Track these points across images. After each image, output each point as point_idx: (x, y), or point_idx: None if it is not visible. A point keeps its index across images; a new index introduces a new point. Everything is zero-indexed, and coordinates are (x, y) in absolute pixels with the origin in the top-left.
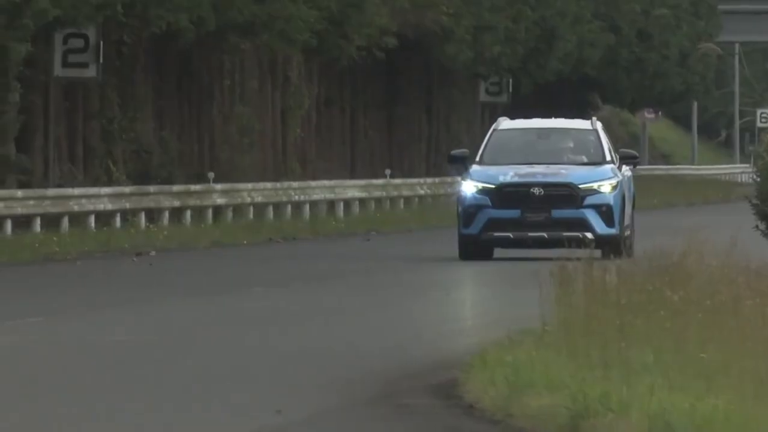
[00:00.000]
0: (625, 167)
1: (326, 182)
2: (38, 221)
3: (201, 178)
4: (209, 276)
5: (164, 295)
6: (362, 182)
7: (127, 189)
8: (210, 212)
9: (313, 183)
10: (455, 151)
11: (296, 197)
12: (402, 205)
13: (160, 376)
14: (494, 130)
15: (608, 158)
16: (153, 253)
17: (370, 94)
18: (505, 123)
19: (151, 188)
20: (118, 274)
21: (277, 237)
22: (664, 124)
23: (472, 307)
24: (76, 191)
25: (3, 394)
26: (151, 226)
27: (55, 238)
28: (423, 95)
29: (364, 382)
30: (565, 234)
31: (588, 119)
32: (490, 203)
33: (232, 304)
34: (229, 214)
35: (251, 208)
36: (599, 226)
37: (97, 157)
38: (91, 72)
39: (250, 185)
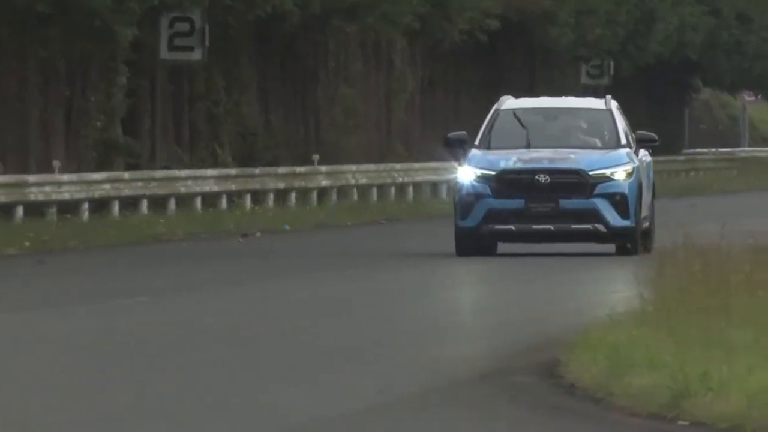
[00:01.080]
0: (642, 151)
1: (430, 164)
2: (145, 203)
3: (306, 160)
4: (312, 257)
5: (268, 276)
6: None
7: (232, 171)
8: (315, 194)
9: (416, 165)
10: (452, 134)
11: (400, 179)
12: None
13: (262, 356)
14: (496, 110)
15: (623, 141)
16: (258, 234)
17: (473, 76)
18: (509, 102)
19: (257, 170)
20: (223, 255)
21: (381, 218)
22: (765, 106)
23: (571, 288)
24: (183, 173)
25: (117, 371)
26: (256, 207)
27: (161, 220)
28: (525, 77)
29: (469, 362)
30: (574, 226)
31: (603, 98)
32: (490, 192)
33: (334, 284)
34: (334, 195)
35: (355, 190)
36: (612, 218)
37: (203, 139)
38: (196, 55)
39: (354, 167)
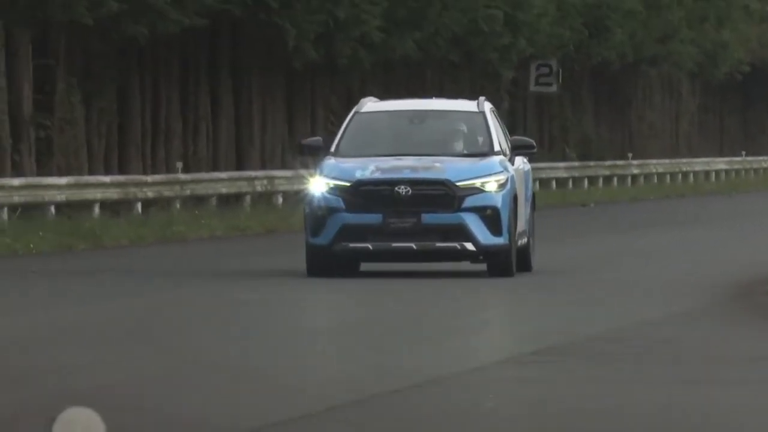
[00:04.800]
0: (520, 159)
1: (704, 159)
2: None
3: (623, 157)
4: (630, 219)
5: (593, 233)
6: (726, 159)
7: (575, 163)
8: (629, 179)
9: (695, 160)
10: (308, 140)
11: (684, 169)
12: (752, 175)
13: (587, 287)
14: (355, 113)
15: (497, 148)
16: (592, 204)
17: (733, 102)
18: (369, 104)
19: (591, 163)
20: (568, 217)
21: (673, 195)
22: None
23: (755, 243)
24: (542, 165)
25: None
26: (591, 187)
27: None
28: (766, 104)
29: (726, 287)
30: (439, 244)
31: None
32: (343, 206)
33: (630, 240)
34: (642, 179)
35: (655, 176)
36: (482, 235)
37: (557, 143)
38: (553, 89)
39: (655, 161)
